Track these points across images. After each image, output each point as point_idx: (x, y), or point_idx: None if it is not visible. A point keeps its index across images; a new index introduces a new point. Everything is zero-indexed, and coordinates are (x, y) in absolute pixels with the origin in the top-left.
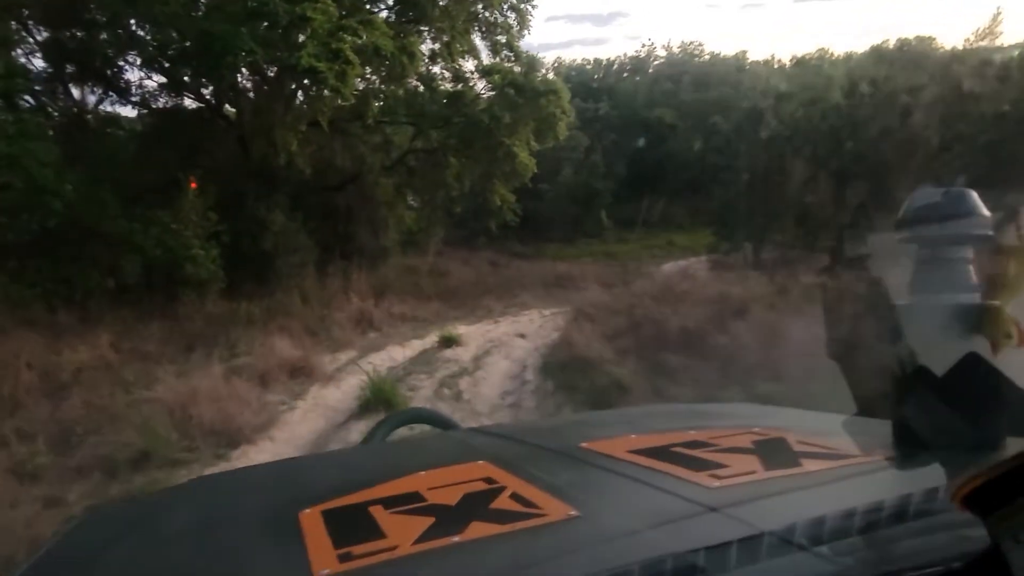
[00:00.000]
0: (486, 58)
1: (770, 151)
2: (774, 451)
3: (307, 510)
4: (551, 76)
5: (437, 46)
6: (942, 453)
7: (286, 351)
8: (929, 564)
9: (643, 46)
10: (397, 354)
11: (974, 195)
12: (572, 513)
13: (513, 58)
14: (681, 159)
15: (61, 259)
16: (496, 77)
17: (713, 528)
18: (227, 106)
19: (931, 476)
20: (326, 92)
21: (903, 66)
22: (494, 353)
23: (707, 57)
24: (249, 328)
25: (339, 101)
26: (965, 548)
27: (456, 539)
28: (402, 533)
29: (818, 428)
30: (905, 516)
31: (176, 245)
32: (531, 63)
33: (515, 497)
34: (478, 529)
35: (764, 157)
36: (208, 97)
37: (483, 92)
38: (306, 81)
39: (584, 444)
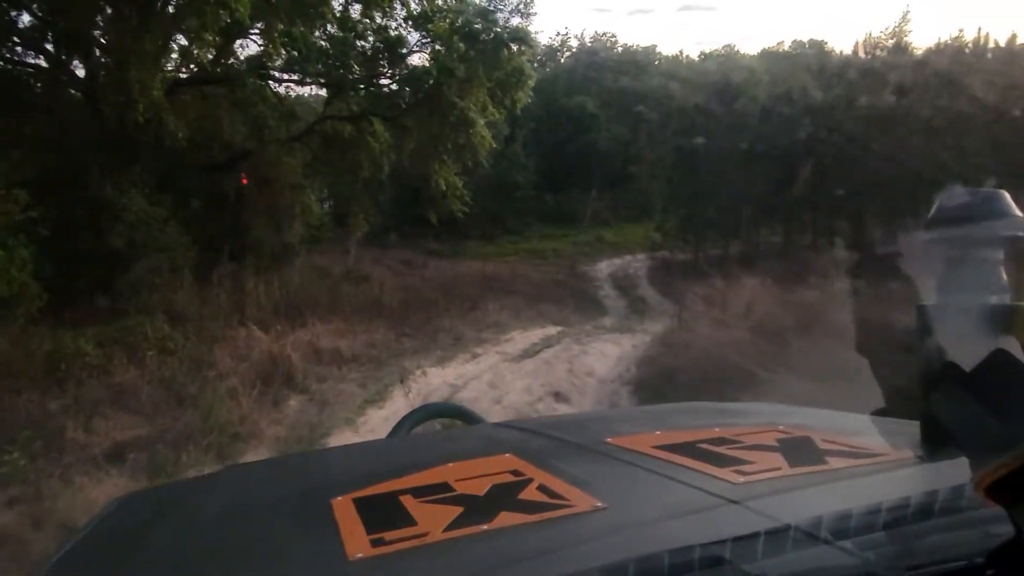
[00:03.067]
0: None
1: (719, 146)
2: (799, 448)
3: (339, 498)
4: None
5: None
6: (969, 450)
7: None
8: (954, 559)
9: (557, 34)
10: None
11: (1006, 196)
12: (599, 505)
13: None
14: (605, 150)
15: None
16: (442, 23)
17: (738, 521)
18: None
19: (958, 473)
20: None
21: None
22: None
23: (619, 50)
24: (62, 395)
25: (226, 20)
26: (990, 544)
27: (485, 527)
28: (432, 521)
29: (844, 427)
30: (931, 512)
31: None
32: (482, 13)
33: (542, 489)
34: (506, 518)
35: (715, 152)
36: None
37: (424, 41)
38: None
39: (610, 439)
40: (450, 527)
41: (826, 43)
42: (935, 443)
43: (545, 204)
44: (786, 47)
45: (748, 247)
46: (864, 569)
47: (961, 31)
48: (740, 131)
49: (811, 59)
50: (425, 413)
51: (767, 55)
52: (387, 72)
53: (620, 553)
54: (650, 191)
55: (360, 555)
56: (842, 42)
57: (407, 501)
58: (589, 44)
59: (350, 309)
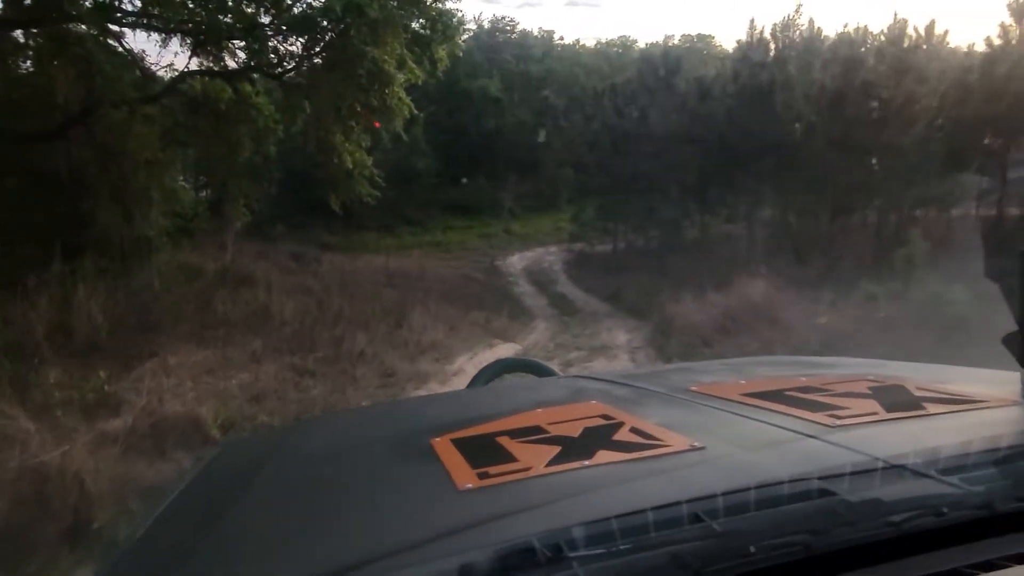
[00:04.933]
0: None
1: (641, 132)
2: (894, 395)
3: (437, 438)
4: None
5: None
6: None
7: None
8: None
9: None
10: None
11: None
12: (696, 444)
13: None
14: (510, 137)
15: None
16: None
17: (840, 458)
18: None
19: None
20: None
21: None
22: None
23: (516, 35)
24: None
25: None
26: None
27: (587, 463)
28: (533, 457)
29: (938, 376)
30: None
31: None
32: None
33: (635, 431)
34: (605, 456)
35: (637, 137)
36: None
37: None
38: None
39: (694, 387)
40: (551, 463)
41: (713, 37)
42: None
43: (448, 193)
44: (675, 41)
45: (671, 236)
46: (979, 500)
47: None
48: (663, 117)
49: (717, 50)
50: (501, 367)
51: (657, 48)
52: (272, 13)
53: (723, 487)
54: (558, 180)
55: (469, 485)
56: (727, 37)
57: (504, 441)
58: (487, 27)
59: (226, 325)
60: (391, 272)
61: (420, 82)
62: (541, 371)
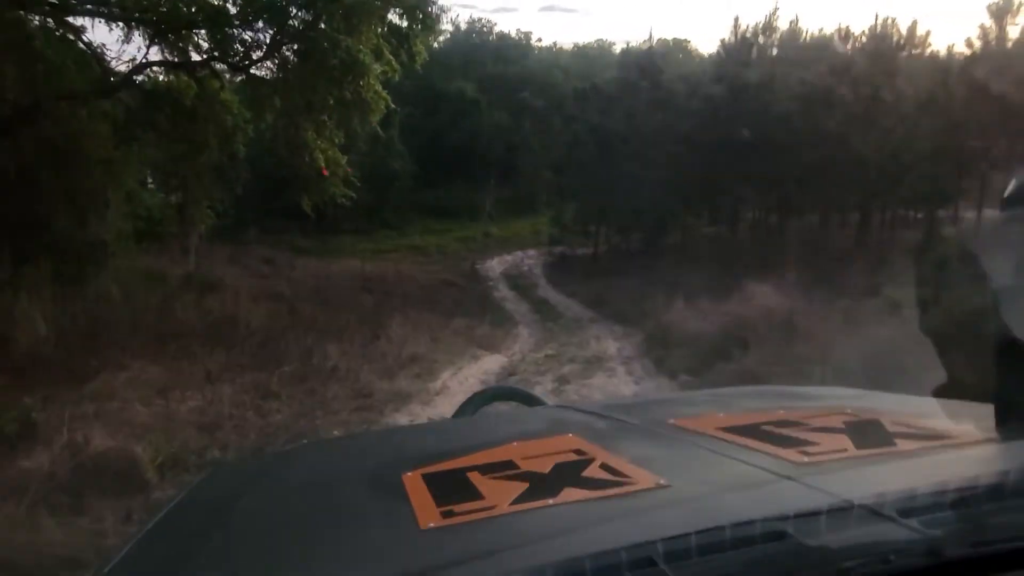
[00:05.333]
0: None
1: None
2: (867, 430)
3: (409, 473)
4: None
5: None
6: None
7: None
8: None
9: None
10: None
11: None
12: (661, 482)
13: None
14: (488, 139)
15: None
16: None
17: (801, 498)
18: None
19: None
20: None
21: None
22: None
23: (494, 37)
24: None
25: None
26: None
27: (550, 501)
28: (499, 495)
29: (916, 410)
30: (1003, 493)
31: None
32: None
33: (605, 467)
34: (570, 494)
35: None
36: None
37: None
38: None
39: (672, 421)
40: (516, 501)
41: (688, 41)
42: (1009, 424)
43: (425, 196)
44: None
45: (654, 239)
46: (930, 545)
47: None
48: (646, 117)
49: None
50: (489, 395)
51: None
52: (238, 2)
53: (681, 527)
54: (536, 182)
55: (432, 524)
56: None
57: (474, 477)
58: (464, 29)
59: (187, 336)
60: (368, 277)
61: (397, 76)
62: (529, 400)
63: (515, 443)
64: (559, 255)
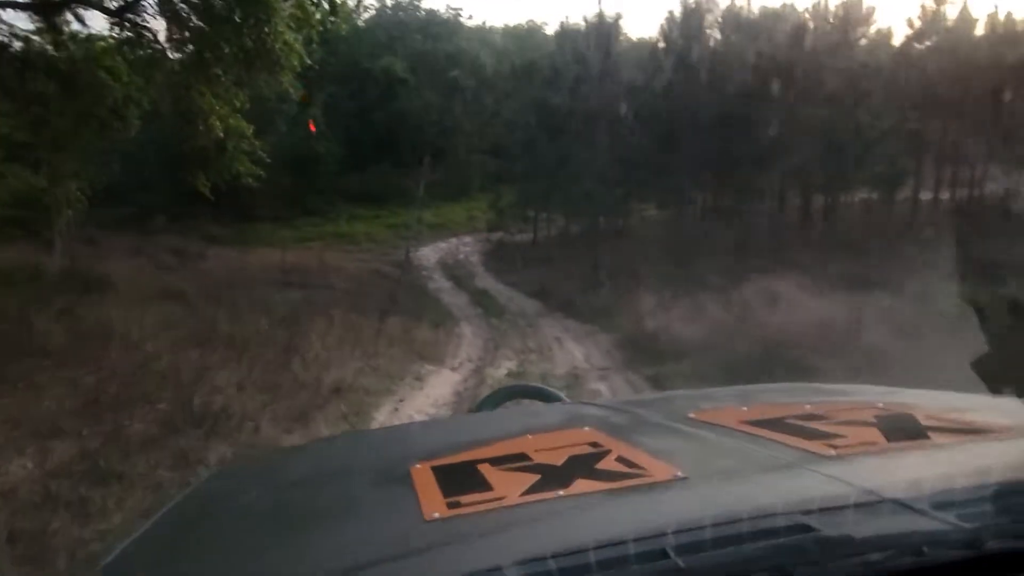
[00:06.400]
0: None
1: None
2: (899, 424)
3: (417, 465)
4: None
5: None
6: None
7: None
8: None
9: None
10: None
11: None
12: (678, 474)
13: None
14: (417, 120)
15: None
16: None
17: (828, 491)
18: None
19: None
20: None
21: None
22: None
23: (423, 13)
24: None
25: None
26: None
27: (561, 493)
28: (509, 487)
29: (951, 405)
30: None
31: None
32: None
33: (620, 460)
34: (583, 486)
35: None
36: None
37: None
38: None
39: (693, 415)
40: (526, 492)
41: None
42: None
43: (352, 181)
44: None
45: (597, 223)
46: (968, 537)
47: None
48: (588, 95)
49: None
50: (508, 393)
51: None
52: None
53: (697, 518)
54: (469, 166)
55: (436, 515)
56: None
57: (484, 469)
58: (390, 5)
59: (37, 359)
60: (288, 269)
61: (316, 32)
62: (549, 398)
63: (529, 436)
64: (497, 242)
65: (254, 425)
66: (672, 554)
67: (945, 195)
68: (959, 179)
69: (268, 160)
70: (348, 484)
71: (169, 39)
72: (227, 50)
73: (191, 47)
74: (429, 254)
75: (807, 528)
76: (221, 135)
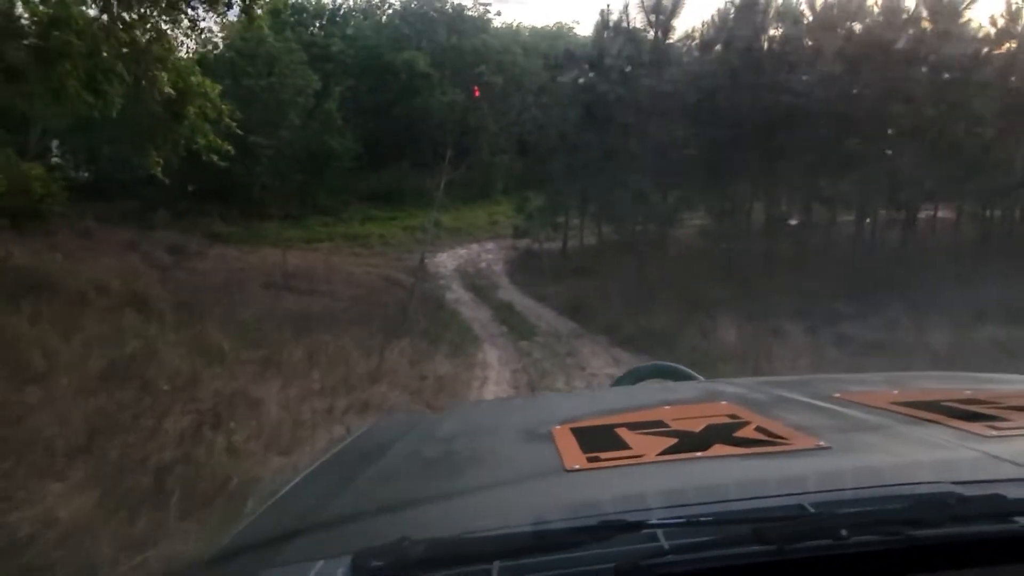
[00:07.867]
0: None
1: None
2: None
3: (558, 427)
4: None
5: None
6: None
7: None
8: None
9: None
10: None
11: None
12: (821, 443)
13: None
14: (439, 118)
15: None
16: None
17: (986, 469)
18: None
19: None
20: None
21: None
22: None
23: (450, 9)
24: None
25: None
26: None
27: (699, 454)
28: (646, 447)
29: None
30: None
31: None
32: None
33: (760, 430)
34: (720, 449)
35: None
36: None
37: None
38: None
39: (839, 394)
40: (664, 453)
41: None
42: None
43: (367, 179)
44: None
45: (643, 230)
46: None
47: None
48: (634, 89)
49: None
50: (646, 371)
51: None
52: None
53: (837, 487)
54: (493, 167)
55: (577, 466)
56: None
57: (622, 432)
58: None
59: None
60: (290, 272)
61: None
62: (686, 377)
63: (667, 407)
64: (523, 249)
65: None
66: (807, 506)
67: None
68: None
69: (271, 153)
70: (494, 440)
71: None
72: None
73: None
74: (447, 261)
75: (965, 500)
76: (173, 94)
